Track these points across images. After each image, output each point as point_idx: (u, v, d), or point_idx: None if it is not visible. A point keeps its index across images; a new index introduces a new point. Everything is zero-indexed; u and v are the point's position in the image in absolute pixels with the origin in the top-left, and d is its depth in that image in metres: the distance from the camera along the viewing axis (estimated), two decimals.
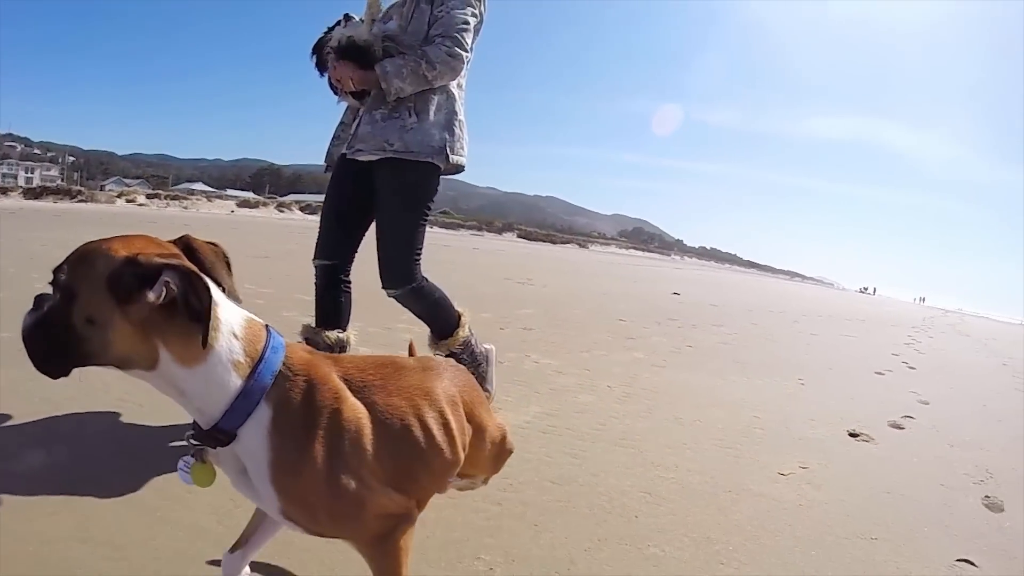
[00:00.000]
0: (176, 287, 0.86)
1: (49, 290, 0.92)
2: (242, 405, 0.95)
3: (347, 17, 2.30)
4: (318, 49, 2.31)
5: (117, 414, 2.16)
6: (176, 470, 1.01)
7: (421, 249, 2.33)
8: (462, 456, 1.25)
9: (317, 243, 2.37)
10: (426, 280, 2.33)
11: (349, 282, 2.40)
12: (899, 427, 3.11)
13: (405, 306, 2.35)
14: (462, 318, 2.41)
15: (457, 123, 2.32)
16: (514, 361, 3.54)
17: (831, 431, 2.85)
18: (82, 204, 24.47)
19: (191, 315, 0.88)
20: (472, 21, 2.26)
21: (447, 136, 2.27)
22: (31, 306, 0.92)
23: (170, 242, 0.98)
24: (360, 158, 2.28)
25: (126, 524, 1.48)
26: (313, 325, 2.35)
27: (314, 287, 2.38)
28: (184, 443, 1.03)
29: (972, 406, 4.01)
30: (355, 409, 1.06)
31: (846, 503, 2.03)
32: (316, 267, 2.37)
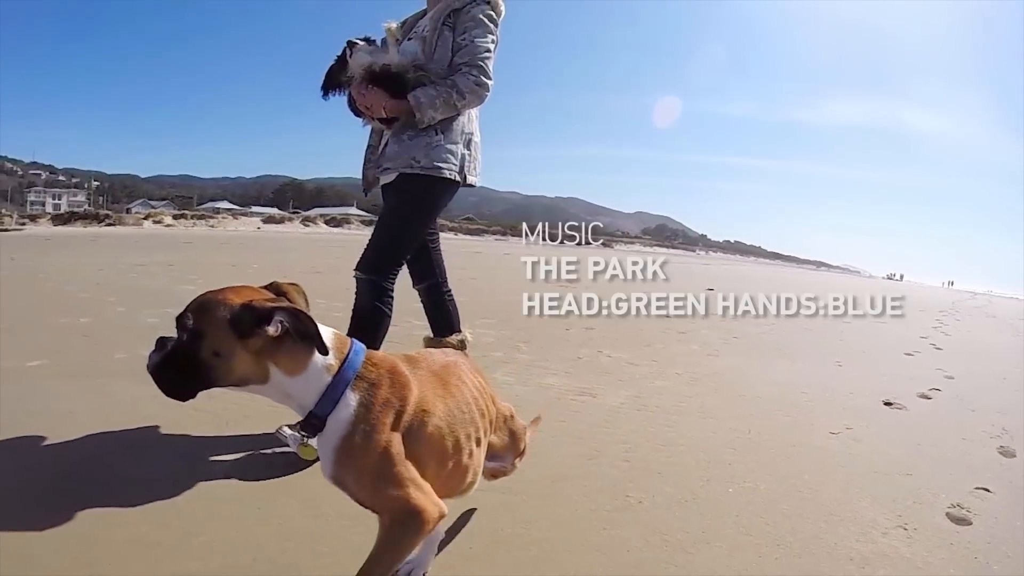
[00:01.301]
0: (288, 323, 1.11)
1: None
2: (330, 395, 1.17)
3: (351, 44, 2.37)
4: (330, 77, 2.41)
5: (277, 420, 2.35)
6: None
7: (403, 255, 2.40)
8: (499, 407, 1.52)
9: (410, 271, 2.55)
10: (390, 293, 2.36)
11: (449, 291, 2.62)
12: (927, 397, 3.65)
13: (357, 291, 2.38)
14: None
15: (474, 144, 2.44)
16: (591, 356, 4.15)
17: (869, 401, 3.41)
18: (110, 228, 24.90)
19: (301, 339, 1.13)
20: (493, 47, 2.36)
21: (466, 153, 2.39)
22: (154, 347, 1.15)
23: (263, 287, 1.22)
24: (389, 178, 2.42)
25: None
26: (432, 336, 2.61)
27: (422, 305, 2.62)
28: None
29: (993, 379, 4.52)
30: (422, 395, 1.26)
31: (885, 453, 2.61)
32: (418, 291, 2.60)
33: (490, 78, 2.33)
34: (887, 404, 3.37)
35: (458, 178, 2.37)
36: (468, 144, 2.40)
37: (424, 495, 1.21)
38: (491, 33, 2.35)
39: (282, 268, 9.55)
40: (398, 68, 2.27)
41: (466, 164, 2.39)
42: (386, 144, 2.40)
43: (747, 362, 4.31)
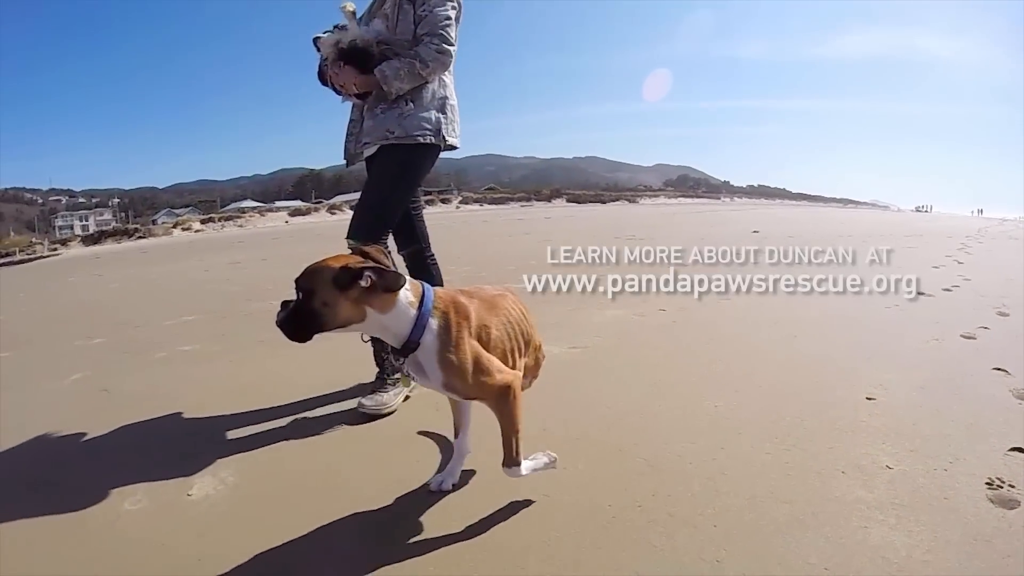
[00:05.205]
0: (374, 277, 1.41)
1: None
2: (420, 325, 1.48)
3: (316, 40, 2.44)
4: (321, 73, 2.50)
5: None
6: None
7: (391, 220, 2.48)
8: (535, 336, 1.81)
9: (395, 238, 2.63)
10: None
11: (432, 255, 2.75)
12: (949, 290, 5.10)
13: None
14: None
15: (449, 107, 2.51)
16: None
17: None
18: (143, 240, 24.96)
19: (384, 289, 1.43)
20: (453, 14, 2.42)
21: (441, 117, 2.47)
22: (280, 308, 1.47)
23: (350, 253, 1.54)
24: (369, 152, 2.52)
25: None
26: None
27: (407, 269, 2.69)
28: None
29: (1002, 279, 5.85)
30: (479, 315, 1.58)
31: (924, 314, 4.15)
32: (403, 256, 2.69)
33: (452, 44, 2.41)
34: (920, 294, 4.80)
35: (435, 141, 2.47)
36: (442, 108, 2.50)
37: (505, 373, 1.56)
38: (450, 1, 2.42)
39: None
40: (363, 43, 2.37)
41: (443, 127, 2.48)
42: (363, 120, 2.53)
43: None
